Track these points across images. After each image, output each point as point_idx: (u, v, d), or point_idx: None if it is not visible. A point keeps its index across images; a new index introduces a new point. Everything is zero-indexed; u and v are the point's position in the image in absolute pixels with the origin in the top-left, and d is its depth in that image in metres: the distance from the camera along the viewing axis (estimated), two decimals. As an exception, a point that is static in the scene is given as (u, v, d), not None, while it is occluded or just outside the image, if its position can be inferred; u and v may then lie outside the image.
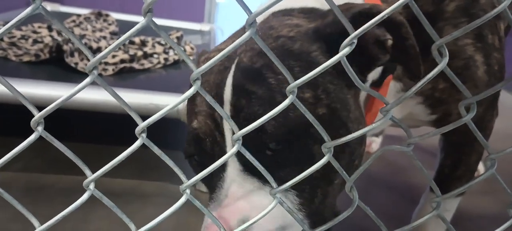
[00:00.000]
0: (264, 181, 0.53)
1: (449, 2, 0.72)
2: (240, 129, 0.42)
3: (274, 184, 0.46)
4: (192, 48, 1.88)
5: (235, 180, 0.54)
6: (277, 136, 0.51)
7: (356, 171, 0.47)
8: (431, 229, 0.91)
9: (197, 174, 0.60)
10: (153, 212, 1.10)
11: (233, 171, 0.54)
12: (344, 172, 0.47)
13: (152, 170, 1.31)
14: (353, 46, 0.38)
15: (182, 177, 0.43)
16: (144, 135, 0.38)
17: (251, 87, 0.52)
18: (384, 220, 0.55)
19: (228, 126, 0.53)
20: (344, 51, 0.38)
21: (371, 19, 0.46)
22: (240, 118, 0.52)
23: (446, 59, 0.40)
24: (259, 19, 0.64)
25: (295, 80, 0.41)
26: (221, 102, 0.54)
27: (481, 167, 1.56)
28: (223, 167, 0.55)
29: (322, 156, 0.46)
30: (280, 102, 0.47)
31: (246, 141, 0.46)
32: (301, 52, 0.54)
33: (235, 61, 0.56)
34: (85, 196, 0.39)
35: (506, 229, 0.58)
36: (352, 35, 0.38)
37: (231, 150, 0.42)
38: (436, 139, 0.93)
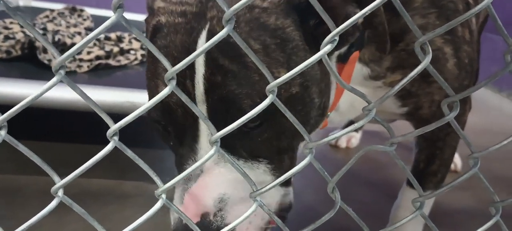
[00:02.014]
0: (237, 155, 0.54)
1: None
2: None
3: (254, 187, 0.45)
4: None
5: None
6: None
7: (338, 173, 0.46)
8: (410, 225, 0.91)
9: (161, 138, 0.59)
10: (132, 213, 1.07)
11: (206, 143, 0.53)
12: (327, 176, 0.46)
13: (130, 169, 1.27)
14: (335, 43, 0.37)
15: (158, 181, 0.41)
16: (116, 137, 0.36)
17: (227, 64, 0.51)
18: (365, 217, 0.55)
19: (201, 96, 0.51)
20: (325, 49, 0.37)
21: None
22: (216, 95, 0.51)
23: (429, 57, 0.39)
24: None
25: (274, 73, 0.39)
26: (192, 70, 0.51)
27: (458, 160, 1.58)
28: (194, 139, 0.54)
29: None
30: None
31: (227, 119, 0.46)
32: (277, 28, 0.54)
33: (207, 27, 0.53)
34: (53, 204, 0.36)
35: (488, 228, 0.58)
36: (334, 32, 0.37)
37: (209, 153, 0.40)
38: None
